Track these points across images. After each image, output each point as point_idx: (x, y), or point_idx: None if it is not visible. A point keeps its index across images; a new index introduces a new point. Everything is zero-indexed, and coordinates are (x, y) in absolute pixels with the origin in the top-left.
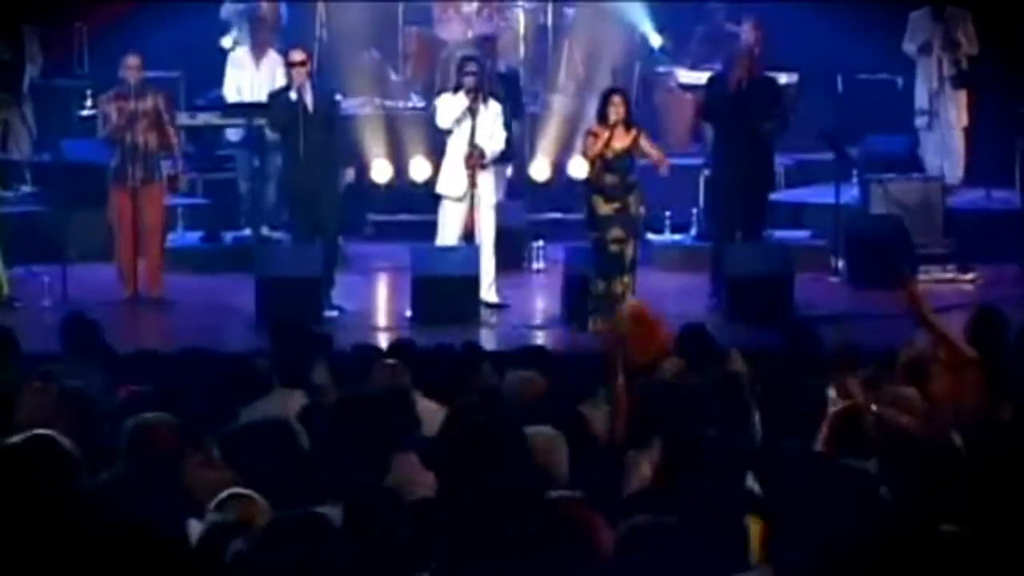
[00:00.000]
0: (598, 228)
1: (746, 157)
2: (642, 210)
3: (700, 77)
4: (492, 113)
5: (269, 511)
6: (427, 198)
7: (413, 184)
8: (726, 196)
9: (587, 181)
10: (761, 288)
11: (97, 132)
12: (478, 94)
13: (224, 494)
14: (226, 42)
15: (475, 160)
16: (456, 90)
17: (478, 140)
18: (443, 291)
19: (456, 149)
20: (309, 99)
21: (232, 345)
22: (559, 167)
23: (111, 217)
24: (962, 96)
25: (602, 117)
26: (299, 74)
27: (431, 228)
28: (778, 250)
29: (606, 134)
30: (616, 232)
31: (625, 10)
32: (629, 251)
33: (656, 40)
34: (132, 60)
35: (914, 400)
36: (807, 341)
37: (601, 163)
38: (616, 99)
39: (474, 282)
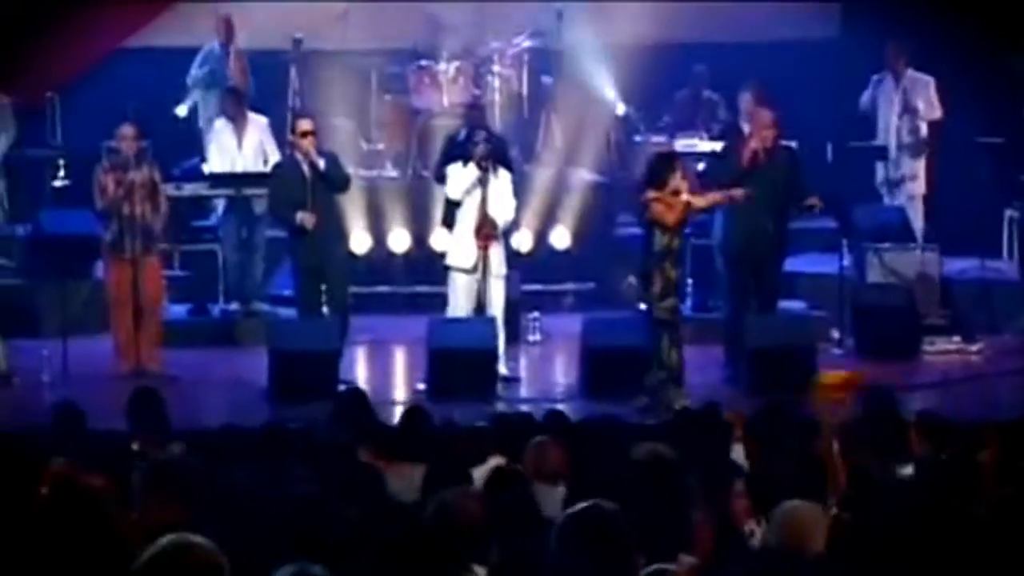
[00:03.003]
0: (672, 295)
1: (764, 226)
2: None
3: (696, 144)
4: (502, 183)
5: None
6: (406, 270)
7: (391, 255)
8: (740, 266)
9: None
10: (783, 360)
11: (95, 203)
12: (488, 164)
13: None
14: (180, 111)
15: (487, 231)
16: (466, 160)
17: (490, 210)
18: (461, 364)
19: (467, 220)
20: (318, 170)
21: (254, 420)
22: (541, 238)
23: (108, 290)
24: (920, 164)
25: (663, 183)
26: (308, 144)
27: (411, 300)
28: (799, 320)
29: (681, 199)
30: (674, 300)
31: (595, 77)
32: (678, 318)
33: (620, 108)
34: (127, 130)
35: None
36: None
37: (677, 229)
38: (678, 163)
39: (492, 355)
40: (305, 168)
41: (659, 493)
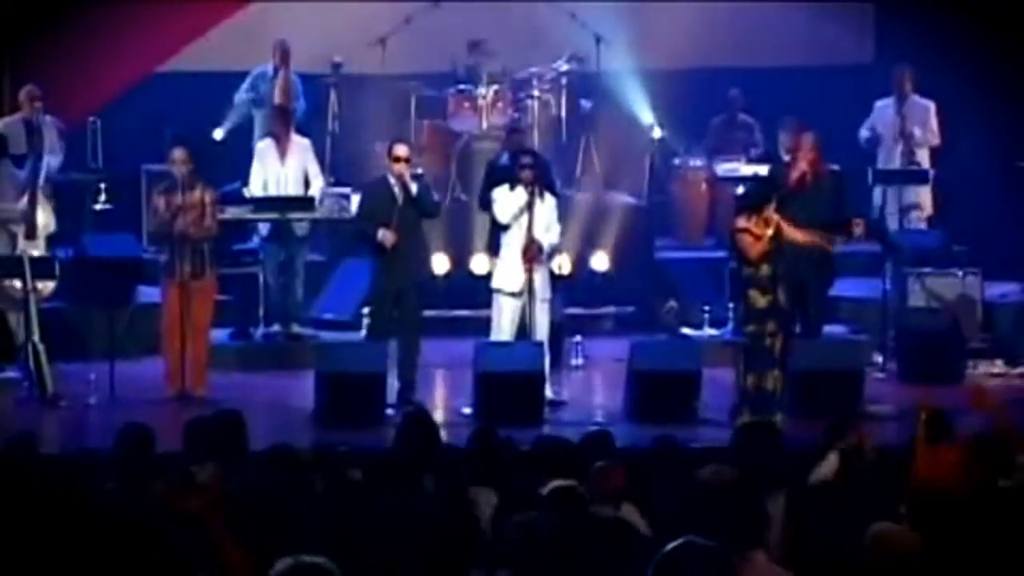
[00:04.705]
0: (754, 321)
1: (810, 250)
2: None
3: (737, 168)
4: (548, 207)
5: None
6: (446, 293)
7: (431, 279)
8: (786, 291)
9: (744, 274)
10: (830, 385)
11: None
12: (535, 188)
13: None
14: (218, 134)
15: (533, 254)
16: (512, 184)
17: (536, 234)
18: (508, 388)
19: (514, 244)
20: (410, 193)
21: (303, 443)
22: (581, 262)
23: (162, 312)
24: (923, 191)
25: (759, 211)
26: (402, 168)
27: (451, 323)
28: (846, 345)
29: (768, 230)
30: (771, 326)
31: (630, 101)
32: (779, 345)
33: (656, 132)
34: (177, 153)
35: None
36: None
37: (761, 260)
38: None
39: (540, 379)
40: (396, 190)
41: (727, 515)
